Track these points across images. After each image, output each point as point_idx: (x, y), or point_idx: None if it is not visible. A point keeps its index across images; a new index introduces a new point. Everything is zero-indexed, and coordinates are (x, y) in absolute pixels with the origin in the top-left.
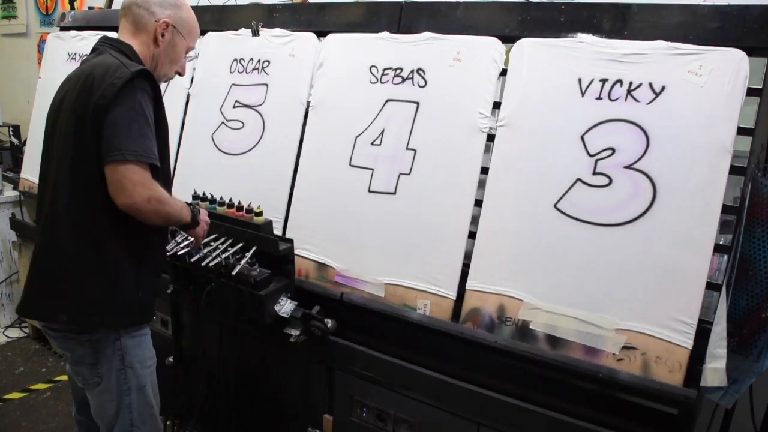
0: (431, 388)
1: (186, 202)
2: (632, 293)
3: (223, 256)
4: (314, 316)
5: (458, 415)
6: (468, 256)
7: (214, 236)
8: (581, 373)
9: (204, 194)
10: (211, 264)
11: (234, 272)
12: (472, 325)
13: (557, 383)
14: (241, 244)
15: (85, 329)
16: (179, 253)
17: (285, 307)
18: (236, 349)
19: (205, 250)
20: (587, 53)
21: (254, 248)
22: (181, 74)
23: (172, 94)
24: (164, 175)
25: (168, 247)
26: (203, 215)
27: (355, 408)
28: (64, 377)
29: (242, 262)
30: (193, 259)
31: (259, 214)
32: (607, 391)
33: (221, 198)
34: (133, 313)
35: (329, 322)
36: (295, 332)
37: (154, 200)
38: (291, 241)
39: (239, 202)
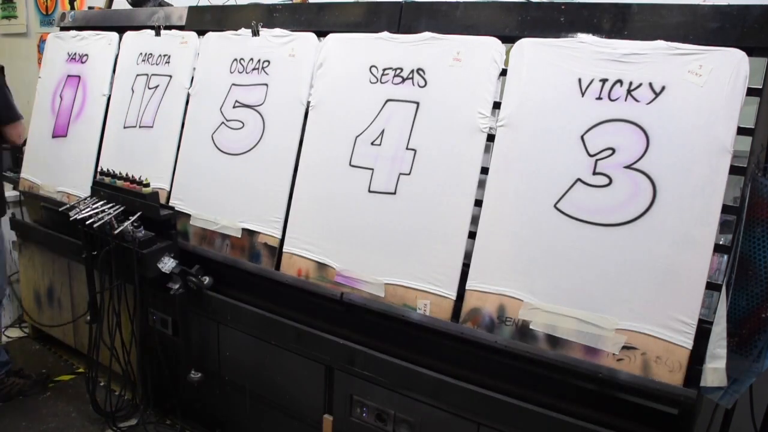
0: (431, 388)
1: None
2: (632, 293)
3: (116, 221)
4: (191, 273)
5: (458, 415)
6: (468, 256)
7: (110, 205)
8: (581, 373)
9: (109, 170)
10: (104, 226)
11: (116, 232)
12: (472, 325)
13: (557, 383)
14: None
15: None
16: (79, 218)
17: (167, 265)
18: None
19: (102, 216)
20: (587, 53)
21: (139, 213)
22: None
23: (173, 93)
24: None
25: (71, 213)
26: None
27: (355, 408)
28: (65, 377)
29: (125, 224)
30: (88, 222)
31: (147, 185)
32: (607, 391)
33: (125, 174)
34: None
35: (206, 279)
36: (174, 286)
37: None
38: (172, 208)
39: (133, 176)
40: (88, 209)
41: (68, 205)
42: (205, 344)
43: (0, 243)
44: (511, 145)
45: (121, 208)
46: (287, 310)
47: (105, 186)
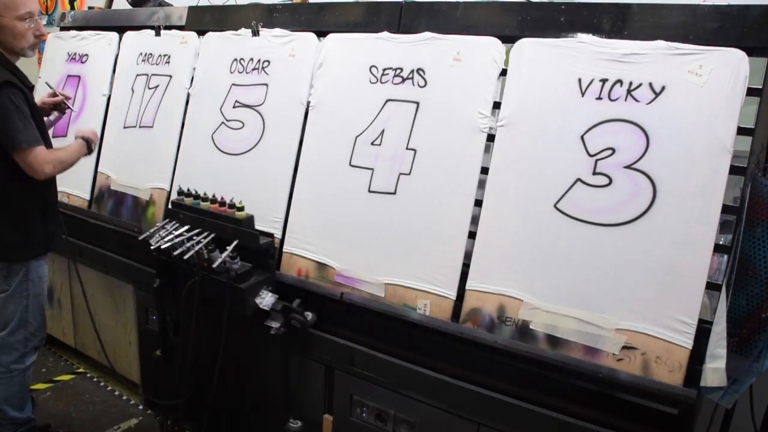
0: (431, 388)
1: (77, 137)
2: (632, 293)
3: (206, 250)
4: (294, 309)
5: (458, 415)
6: (468, 256)
7: (197, 230)
8: (581, 373)
9: (189, 190)
10: (192, 257)
11: (215, 265)
12: (472, 325)
13: (557, 383)
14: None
15: (3, 258)
16: (163, 247)
17: (266, 300)
18: (222, 343)
19: (188, 244)
20: (587, 53)
21: (236, 242)
22: (39, 36)
23: (173, 93)
24: (47, 141)
25: (152, 241)
26: (90, 134)
27: (354, 408)
28: (65, 377)
29: (223, 255)
30: (175, 253)
31: (241, 209)
32: (607, 391)
33: (204, 194)
34: (41, 248)
35: (309, 315)
36: (275, 324)
37: (57, 164)
38: (271, 235)
39: (221, 198)
40: (170, 236)
41: (147, 233)
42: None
43: (38, 284)
44: (511, 145)
45: (211, 235)
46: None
47: (186, 208)
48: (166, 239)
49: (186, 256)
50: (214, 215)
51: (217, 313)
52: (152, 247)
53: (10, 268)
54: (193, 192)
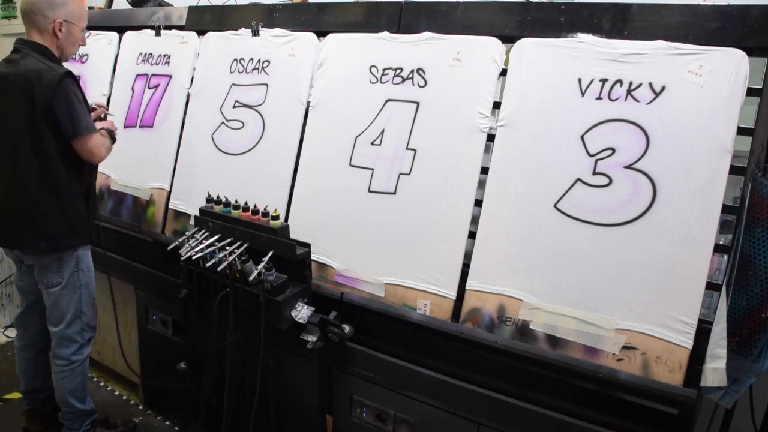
0: (431, 387)
1: (100, 129)
2: (632, 293)
3: (239, 261)
4: (332, 322)
5: (458, 415)
6: (468, 256)
7: (228, 240)
8: (581, 373)
9: (218, 197)
10: (225, 269)
11: (251, 278)
12: (472, 325)
13: (557, 383)
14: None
15: (55, 249)
16: (194, 258)
17: (302, 312)
18: (252, 356)
19: (220, 255)
20: (587, 53)
21: (271, 253)
22: (83, 45)
23: (173, 93)
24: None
25: (182, 252)
26: (109, 125)
27: (355, 408)
28: None
29: (259, 267)
30: (208, 264)
31: (276, 217)
32: (607, 391)
33: (236, 201)
34: (86, 236)
35: (346, 328)
36: (312, 338)
37: (108, 149)
38: (308, 245)
39: (255, 206)
40: (200, 246)
41: (176, 243)
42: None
43: (88, 274)
44: (511, 145)
45: (243, 245)
46: None
47: (215, 216)
48: (196, 249)
49: (219, 268)
50: (246, 224)
51: (249, 325)
52: (182, 258)
53: (62, 259)
54: (223, 199)
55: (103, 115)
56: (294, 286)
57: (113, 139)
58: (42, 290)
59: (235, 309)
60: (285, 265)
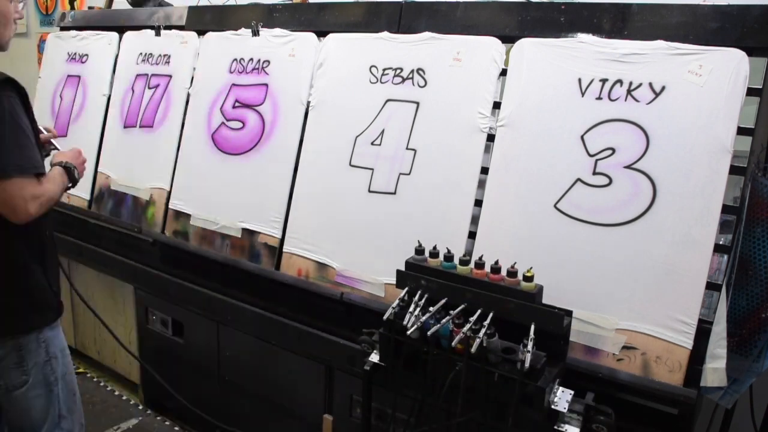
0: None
1: (56, 164)
2: (632, 293)
3: (485, 337)
4: (597, 408)
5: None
6: (468, 256)
7: (462, 307)
8: (581, 373)
9: (435, 248)
10: (459, 343)
11: (527, 364)
12: None
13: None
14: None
15: (8, 332)
16: (410, 331)
17: (561, 398)
18: None
19: (444, 320)
20: (587, 53)
21: (533, 327)
22: (19, 18)
23: (173, 93)
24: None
25: (407, 323)
26: (71, 158)
27: (355, 408)
28: None
29: (528, 345)
30: (430, 332)
31: (530, 278)
32: (607, 391)
33: (464, 255)
34: (52, 308)
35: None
36: (573, 430)
37: (45, 202)
38: (570, 313)
39: (497, 262)
40: (415, 312)
41: (390, 312)
42: (204, 344)
43: (63, 359)
44: (511, 145)
45: (488, 315)
46: (287, 311)
47: (431, 273)
48: (413, 317)
49: (453, 343)
50: (483, 284)
51: (484, 411)
52: (409, 332)
53: (22, 347)
54: (445, 251)
55: (47, 150)
56: (552, 367)
57: (74, 181)
58: (0, 396)
59: (466, 391)
60: (521, 333)
